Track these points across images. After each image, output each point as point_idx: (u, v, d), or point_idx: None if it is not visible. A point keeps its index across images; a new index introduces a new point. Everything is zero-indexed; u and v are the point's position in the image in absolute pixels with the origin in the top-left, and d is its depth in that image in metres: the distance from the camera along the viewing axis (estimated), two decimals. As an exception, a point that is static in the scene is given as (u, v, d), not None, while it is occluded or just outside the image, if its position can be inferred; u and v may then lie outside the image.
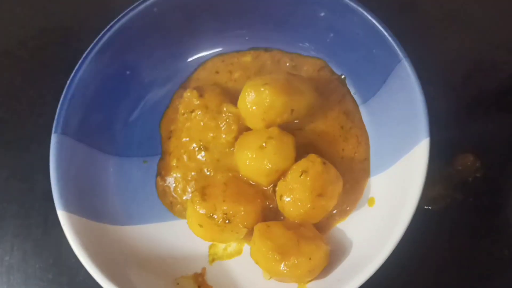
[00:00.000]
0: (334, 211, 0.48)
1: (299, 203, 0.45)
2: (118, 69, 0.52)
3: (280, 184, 0.47)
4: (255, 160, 0.47)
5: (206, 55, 0.55)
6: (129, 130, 0.54)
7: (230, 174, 0.49)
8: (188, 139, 0.52)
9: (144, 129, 0.54)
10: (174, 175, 0.52)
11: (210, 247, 0.50)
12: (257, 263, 0.46)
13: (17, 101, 0.61)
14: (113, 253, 0.47)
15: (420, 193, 0.41)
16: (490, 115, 0.53)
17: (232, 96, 0.52)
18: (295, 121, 0.50)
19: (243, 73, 0.54)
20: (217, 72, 0.55)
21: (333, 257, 0.45)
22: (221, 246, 0.50)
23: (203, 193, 0.47)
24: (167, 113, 0.54)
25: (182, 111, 0.52)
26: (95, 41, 0.50)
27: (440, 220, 0.50)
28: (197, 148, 0.52)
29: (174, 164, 0.52)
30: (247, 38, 0.54)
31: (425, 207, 0.50)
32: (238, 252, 0.49)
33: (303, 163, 0.46)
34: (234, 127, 0.50)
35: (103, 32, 0.50)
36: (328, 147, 0.50)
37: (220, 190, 0.47)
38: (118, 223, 0.50)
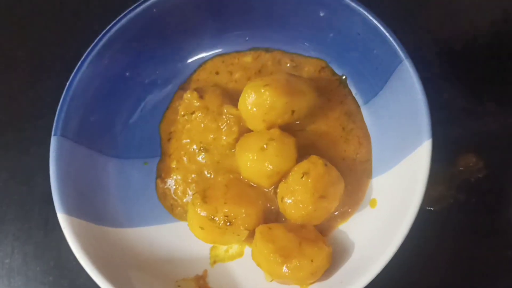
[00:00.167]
0: (336, 213, 0.48)
1: (300, 205, 0.45)
2: (118, 71, 0.52)
3: (282, 186, 0.47)
4: (256, 161, 0.47)
5: (206, 56, 0.55)
6: (129, 132, 0.53)
7: (231, 176, 0.49)
8: (188, 140, 0.52)
9: (144, 131, 0.54)
10: (174, 177, 0.52)
11: (211, 249, 0.50)
12: (258, 265, 0.45)
13: (16, 102, 0.61)
14: (114, 255, 0.47)
15: (423, 194, 0.41)
16: (493, 115, 0.53)
17: (232, 97, 0.52)
18: (296, 122, 0.50)
19: (243, 73, 0.54)
20: (217, 73, 0.54)
21: (335, 259, 0.45)
22: (223, 248, 0.50)
23: (204, 195, 0.47)
24: (167, 114, 0.54)
25: (182, 113, 0.52)
26: (94, 43, 0.49)
27: (442, 221, 0.50)
28: (197, 150, 0.51)
29: (174, 166, 0.52)
30: (247, 38, 0.54)
31: (427, 207, 0.50)
32: (240, 254, 0.49)
33: (304, 164, 0.46)
34: (234, 128, 0.50)
35: (102, 33, 0.49)
36: (330, 148, 0.49)
37: (221, 192, 0.47)
38: (119, 225, 0.50)
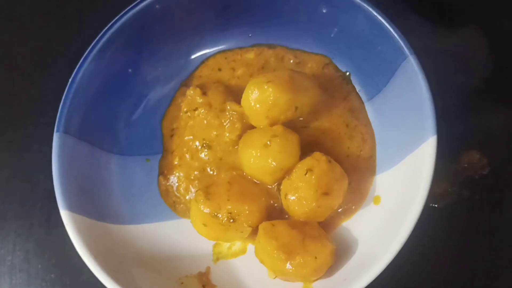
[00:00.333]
0: (340, 210, 0.47)
1: (304, 202, 0.45)
2: (120, 67, 0.52)
3: (285, 183, 0.47)
4: (259, 158, 0.47)
5: (209, 52, 0.55)
6: (132, 128, 0.53)
7: (234, 173, 0.49)
8: (191, 137, 0.52)
9: (146, 128, 0.54)
10: (177, 174, 0.52)
11: (214, 246, 0.49)
12: (262, 262, 0.45)
13: (18, 100, 0.60)
14: (116, 252, 0.47)
15: (427, 191, 0.41)
16: (497, 112, 0.52)
17: (235, 94, 0.52)
18: (300, 118, 0.50)
19: (246, 70, 0.53)
20: (219, 69, 0.54)
21: (339, 256, 0.45)
22: (226, 245, 0.49)
23: (207, 192, 0.47)
24: (169, 111, 0.54)
25: (185, 109, 0.52)
26: (96, 39, 0.49)
27: (446, 217, 0.50)
28: (200, 147, 0.51)
29: (177, 162, 0.52)
30: (250, 34, 0.54)
31: (431, 204, 0.50)
32: (243, 251, 0.49)
33: (308, 161, 0.46)
34: (238, 125, 0.50)
35: (104, 30, 0.49)
36: (333, 145, 0.49)
37: (224, 189, 0.47)
38: (121, 222, 0.49)
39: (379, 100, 0.49)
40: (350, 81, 0.51)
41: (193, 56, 0.55)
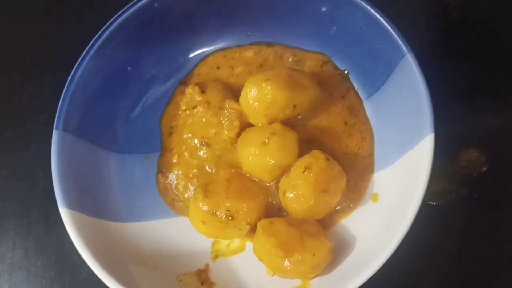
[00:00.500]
0: (338, 207, 0.48)
1: (302, 199, 0.45)
2: (119, 65, 0.52)
3: (283, 180, 0.47)
4: (258, 156, 0.47)
5: (208, 50, 0.55)
6: (131, 126, 0.53)
7: (233, 171, 0.49)
8: (190, 135, 0.52)
9: (145, 126, 0.54)
10: (176, 172, 0.52)
11: (213, 243, 0.50)
12: (260, 259, 0.45)
13: (17, 98, 0.60)
14: (116, 250, 0.47)
15: (425, 188, 0.41)
16: (495, 110, 0.52)
17: (234, 92, 0.52)
18: (298, 116, 0.50)
19: (245, 68, 0.53)
20: (218, 68, 0.54)
21: (337, 253, 0.45)
22: (224, 242, 0.50)
23: (206, 189, 0.47)
24: (168, 109, 0.54)
25: (184, 107, 0.52)
26: (95, 37, 0.49)
27: (444, 215, 0.50)
28: (199, 145, 0.51)
29: (175, 160, 0.52)
30: (249, 33, 0.54)
31: (430, 202, 0.50)
32: (241, 248, 0.49)
33: (306, 159, 0.46)
34: (236, 123, 0.50)
35: (103, 28, 0.49)
36: (332, 143, 0.49)
37: (223, 187, 0.47)
38: (121, 220, 0.50)
39: (378, 98, 0.49)
40: (349, 79, 0.52)
41: (192, 55, 0.55)
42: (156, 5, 0.50)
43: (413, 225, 0.41)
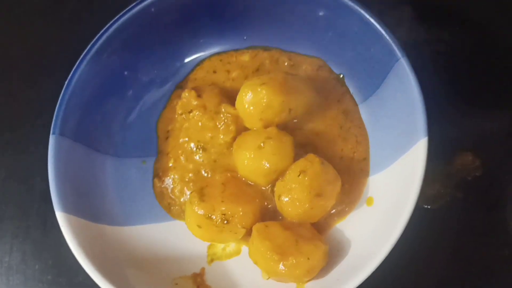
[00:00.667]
0: (333, 211, 0.48)
1: (297, 203, 0.45)
2: (116, 70, 0.52)
3: (279, 184, 0.47)
4: (253, 160, 0.47)
5: (204, 55, 0.55)
6: (127, 130, 0.54)
7: (229, 175, 0.49)
8: (186, 139, 0.52)
9: (142, 130, 0.54)
10: (172, 176, 0.52)
11: (209, 247, 0.50)
12: (255, 263, 0.45)
13: (15, 101, 0.61)
14: (112, 254, 0.47)
15: (418, 192, 0.41)
16: (490, 113, 0.53)
17: (230, 96, 0.52)
18: (294, 120, 0.50)
19: (241, 72, 0.54)
20: (214, 72, 0.54)
21: (332, 257, 0.45)
22: (220, 246, 0.50)
23: (201, 193, 0.47)
24: (164, 113, 0.54)
25: (180, 111, 0.52)
26: (92, 42, 0.50)
27: (440, 218, 0.50)
28: (195, 149, 0.52)
29: (172, 165, 0.52)
30: (245, 37, 0.54)
31: (425, 206, 0.50)
32: (237, 252, 0.49)
33: (301, 163, 0.46)
34: (232, 127, 0.50)
35: (100, 32, 0.50)
36: (327, 147, 0.50)
37: (219, 191, 0.47)
38: (117, 223, 0.50)
39: (373, 102, 0.49)
40: (344, 83, 0.52)
41: (188, 59, 0.55)
42: (152, 9, 0.50)
43: (408, 228, 0.41)
